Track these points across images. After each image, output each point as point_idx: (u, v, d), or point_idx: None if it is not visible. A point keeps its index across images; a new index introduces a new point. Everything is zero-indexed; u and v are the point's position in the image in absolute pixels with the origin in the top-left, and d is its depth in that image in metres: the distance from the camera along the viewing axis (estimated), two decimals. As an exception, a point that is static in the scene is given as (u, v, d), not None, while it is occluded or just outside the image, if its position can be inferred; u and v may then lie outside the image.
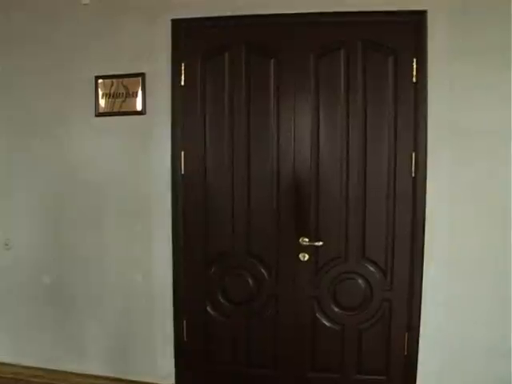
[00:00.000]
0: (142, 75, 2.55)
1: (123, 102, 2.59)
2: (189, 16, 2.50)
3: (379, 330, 2.49)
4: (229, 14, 2.46)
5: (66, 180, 2.71)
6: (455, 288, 2.37)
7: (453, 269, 2.37)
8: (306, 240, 2.47)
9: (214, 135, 2.55)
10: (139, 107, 2.57)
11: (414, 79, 2.36)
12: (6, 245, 2.80)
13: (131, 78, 2.56)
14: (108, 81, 2.59)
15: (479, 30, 2.28)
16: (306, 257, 2.47)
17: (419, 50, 2.34)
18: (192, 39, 2.53)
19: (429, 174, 2.36)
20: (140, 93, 2.56)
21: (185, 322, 2.65)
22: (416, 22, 2.34)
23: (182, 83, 2.54)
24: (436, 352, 2.40)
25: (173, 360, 2.66)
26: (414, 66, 2.35)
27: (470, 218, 2.35)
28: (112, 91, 2.59)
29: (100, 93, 2.61)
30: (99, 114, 2.62)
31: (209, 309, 2.63)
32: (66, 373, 2.78)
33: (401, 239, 2.43)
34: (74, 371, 2.78)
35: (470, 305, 2.37)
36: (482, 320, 2.35)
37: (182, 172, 2.57)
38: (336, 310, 2.51)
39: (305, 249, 2.48)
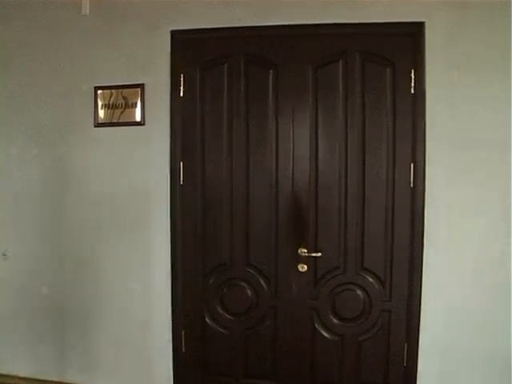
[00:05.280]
0: (142, 86, 2.56)
1: (122, 112, 2.59)
2: (188, 27, 2.51)
3: (378, 341, 2.47)
4: (228, 25, 2.48)
5: (65, 190, 2.70)
6: (455, 299, 2.36)
7: (452, 280, 2.36)
8: (305, 251, 2.46)
9: (213, 146, 2.55)
10: (138, 118, 2.58)
11: (413, 90, 2.36)
12: (4, 255, 2.79)
13: (130, 89, 2.57)
14: (107, 91, 2.60)
15: (477, 40, 2.29)
16: (305, 268, 2.47)
17: (417, 61, 2.35)
18: (191, 50, 2.54)
19: (427, 184, 2.36)
20: (139, 103, 2.57)
21: (183, 332, 2.63)
22: (414, 33, 2.35)
23: (181, 94, 2.54)
24: (435, 363, 2.39)
25: (171, 371, 2.65)
26: (413, 77, 2.36)
27: (468, 229, 2.34)
28: (111, 102, 2.60)
29: (99, 103, 2.61)
30: (98, 125, 2.62)
31: (207, 320, 2.62)
32: (62, 384, 2.77)
33: (400, 250, 2.42)
34: (71, 382, 2.76)
35: (469, 316, 2.36)
36: (482, 331, 2.34)
37: (181, 183, 2.57)
38: (335, 321, 2.51)
39: (304, 260, 2.47)
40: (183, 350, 2.64)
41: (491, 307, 2.33)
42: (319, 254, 2.46)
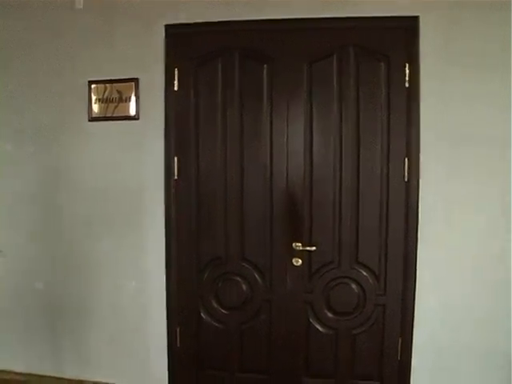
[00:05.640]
0: (136, 80, 2.55)
1: (116, 107, 2.59)
2: (182, 21, 2.50)
3: (373, 335, 2.48)
4: (222, 19, 2.47)
5: (60, 187, 2.70)
6: (449, 293, 2.37)
7: (447, 274, 2.36)
8: (299, 245, 2.46)
9: (208, 140, 2.55)
10: (132, 112, 2.57)
11: (407, 84, 2.36)
12: (0, 251, 2.78)
13: (125, 83, 2.57)
14: (101, 85, 2.59)
15: (473, 35, 2.29)
16: (300, 262, 2.47)
17: (412, 56, 2.34)
18: (185, 44, 2.53)
19: (422, 178, 2.36)
20: (133, 98, 2.56)
21: (178, 327, 2.64)
22: (408, 27, 2.35)
23: (176, 88, 2.54)
24: (429, 358, 2.40)
25: (166, 366, 2.65)
26: (407, 72, 2.36)
27: (464, 223, 2.35)
28: (105, 96, 2.59)
29: (93, 97, 2.61)
30: (92, 119, 2.62)
31: (202, 314, 2.63)
32: (57, 379, 2.77)
33: (394, 244, 2.43)
34: (66, 377, 2.77)
35: (464, 311, 2.36)
36: (476, 326, 2.35)
37: (176, 177, 2.57)
38: (329, 315, 2.51)
39: (298, 254, 2.47)
40: (178, 345, 2.64)
41: (490, 303, 2.33)
42: (314, 248, 2.46)
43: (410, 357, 2.43)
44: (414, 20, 2.32)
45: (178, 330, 2.64)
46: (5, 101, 2.74)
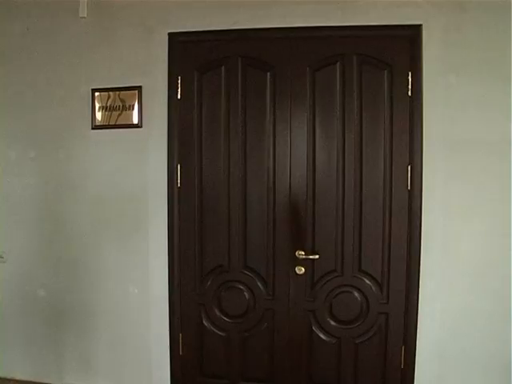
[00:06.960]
0: (139, 88, 2.56)
1: (120, 115, 2.59)
2: (186, 29, 2.51)
3: (376, 343, 2.48)
4: (225, 27, 2.48)
5: (62, 193, 2.70)
6: (452, 301, 2.37)
7: (450, 282, 2.36)
8: (302, 253, 2.46)
9: (211, 148, 2.55)
10: (136, 120, 2.58)
11: (410, 93, 2.37)
12: (1, 257, 2.78)
13: (128, 91, 2.57)
14: (105, 94, 2.60)
15: (475, 42, 2.30)
16: (302, 270, 2.47)
17: (414, 64, 2.35)
18: (189, 53, 2.54)
19: (425, 186, 2.36)
20: (137, 106, 2.57)
21: (181, 335, 2.63)
22: (411, 35, 2.36)
23: (179, 96, 2.54)
24: (433, 366, 2.39)
25: (169, 374, 2.64)
26: (410, 80, 2.36)
27: (467, 231, 2.35)
28: (109, 104, 2.60)
29: (97, 106, 2.61)
30: (96, 127, 2.62)
31: (205, 322, 2.62)
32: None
33: (397, 252, 2.42)
34: (68, 385, 2.77)
35: (467, 318, 2.36)
36: (479, 334, 2.35)
37: (179, 185, 2.57)
38: (332, 323, 2.50)
39: (301, 262, 2.47)
40: (181, 353, 2.64)
41: (491, 309, 2.33)
42: (316, 257, 2.46)
43: (414, 365, 2.42)
44: (417, 28, 2.34)
45: (180, 338, 2.63)
46: (5, 102, 2.74)
